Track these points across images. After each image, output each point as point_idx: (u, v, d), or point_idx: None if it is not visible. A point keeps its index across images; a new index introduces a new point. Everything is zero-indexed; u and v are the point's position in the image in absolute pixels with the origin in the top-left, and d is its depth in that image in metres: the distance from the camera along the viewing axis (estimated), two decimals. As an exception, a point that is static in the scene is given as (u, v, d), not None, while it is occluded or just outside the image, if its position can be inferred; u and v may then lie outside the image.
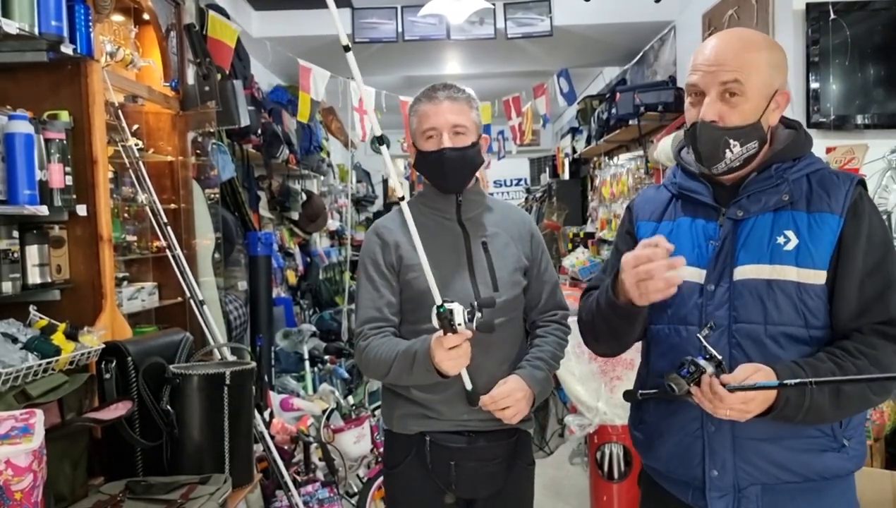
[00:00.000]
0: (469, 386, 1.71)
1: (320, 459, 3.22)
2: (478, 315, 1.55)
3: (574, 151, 7.10)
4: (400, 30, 5.06)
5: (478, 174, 1.89)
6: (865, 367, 1.28)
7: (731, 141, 1.36)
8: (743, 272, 1.37)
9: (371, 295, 1.79)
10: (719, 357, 1.28)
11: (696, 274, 1.41)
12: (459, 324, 1.53)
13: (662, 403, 1.46)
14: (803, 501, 1.39)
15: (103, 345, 2.05)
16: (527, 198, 10.22)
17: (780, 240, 1.36)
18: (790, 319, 1.34)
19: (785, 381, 1.23)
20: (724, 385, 1.25)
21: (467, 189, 1.86)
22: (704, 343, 1.30)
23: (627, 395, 1.45)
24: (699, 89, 1.38)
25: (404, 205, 1.64)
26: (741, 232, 1.39)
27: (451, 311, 1.52)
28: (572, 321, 1.82)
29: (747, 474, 1.38)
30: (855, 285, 1.33)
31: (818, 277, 1.34)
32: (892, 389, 1.36)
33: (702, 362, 1.28)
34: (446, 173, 1.79)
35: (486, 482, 1.81)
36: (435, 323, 1.56)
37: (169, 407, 2.06)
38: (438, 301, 1.54)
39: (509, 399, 1.72)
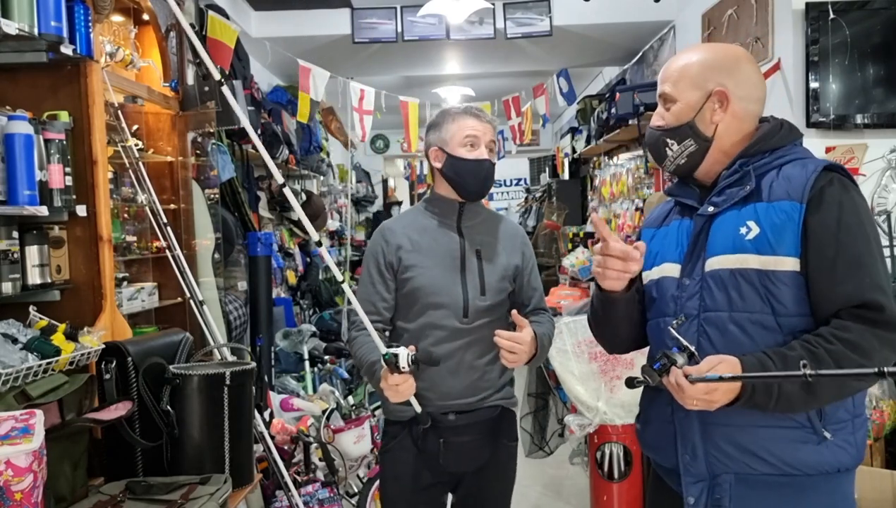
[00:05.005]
0: (419, 410, 1.89)
1: (320, 459, 3.22)
2: (415, 364, 1.73)
3: (574, 151, 7.10)
4: (399, 30, 5.06)
5: None
6: (840, 352, 1.29)
7: (668, 140, 1.50)
8: (711, 264, 1.43)
9: (369, 290, 2.00)
10: (692, 348, 1.32)
11: (676, 270, 1.49)
12: (403, 368, 1.72)
13: (649, 392, 1.54)
14: (778, 496, 1.38)
15: (103, 346, 2.05)
16: (527, 198, 10.21)
17: (743, 230, 1.40)
18: (755, 306, 1.38)
19: (737, 374, 1.28)
20: (687, 376, 1.29)
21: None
22: (675, 334, 1.35)
23: (629, 382, 1.48)
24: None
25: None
26: (713, 227, 1.45)
27: (396, 356, 1.72)
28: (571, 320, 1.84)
29: (718, 461, 1.41)
30: (827, 271, 1.34)
31: (781, 264, 1.35)
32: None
33: (675, 353, 1.32)
34: (483, 181, 1.98)
35: (471, 456, 1.97)
36: (383, 365, 1.76)
37: (169, 407, 2.06)
38: (383, 350, 1.75)
39: (522, 345, 1.85)
